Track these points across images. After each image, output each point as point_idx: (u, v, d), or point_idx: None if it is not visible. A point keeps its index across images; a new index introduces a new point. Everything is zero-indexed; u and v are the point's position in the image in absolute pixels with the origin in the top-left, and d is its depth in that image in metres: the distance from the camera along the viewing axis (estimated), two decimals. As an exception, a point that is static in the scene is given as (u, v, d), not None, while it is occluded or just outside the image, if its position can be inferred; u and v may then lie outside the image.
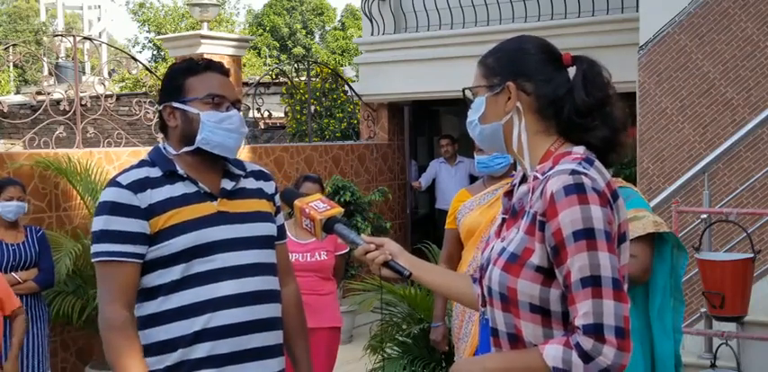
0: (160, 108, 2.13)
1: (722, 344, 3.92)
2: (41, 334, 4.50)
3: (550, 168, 1.54)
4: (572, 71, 1.62)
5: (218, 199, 2.09)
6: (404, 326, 4.47)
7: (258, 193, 2.19)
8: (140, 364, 1.97)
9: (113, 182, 2.04)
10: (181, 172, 2.07)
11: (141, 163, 2.10)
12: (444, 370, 4.06)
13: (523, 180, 1.66)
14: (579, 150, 1.57)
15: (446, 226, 3.60)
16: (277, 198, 2.25)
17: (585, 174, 1.49)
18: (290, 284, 2.31)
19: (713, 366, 3.92)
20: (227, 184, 2.12)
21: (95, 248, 2.01)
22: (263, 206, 2.18)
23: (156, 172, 2.06)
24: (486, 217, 3.35)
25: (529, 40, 1.66)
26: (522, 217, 1.57)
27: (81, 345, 5.57)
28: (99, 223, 2.01)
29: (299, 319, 2.31)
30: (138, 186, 2.02)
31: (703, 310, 4.19)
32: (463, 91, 1.71)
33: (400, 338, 4.40)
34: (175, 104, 2.08)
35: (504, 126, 1.63)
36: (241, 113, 2.15)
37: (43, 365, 4.50)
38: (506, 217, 1.68)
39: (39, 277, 4.50)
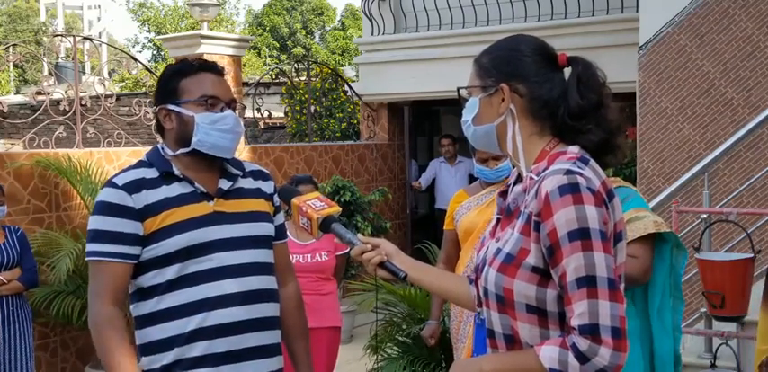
0: (156, 110, 2.14)
1: (722, 344, 3.92)
2: (27, 334, 4.48)
3: (545, 168, 1.54)
4: (567, 72, 1.61)
5: (215, 199, 2.09)
6: (404, 326, 4.47)
7: (256, 193, 2.19)
8: (127, 358, 1.96)
9: (110, 183, 2.05)
10: (177, 172, 2.08)
11: (139, 164, 2.11)
12: (444, 370, 4.06)
13: (518, 179, 1.65)
14: (574, 149, 1.57)
15: (444, 228, 3.59)
16: (276, 197, 2.25)
17: (580, 174, 1.48)
18: (291, 284, 2.30)
19: (713, 366, 3.92)
20: (224, 184, 2.12)
21: (89, 247, 2.03)
22: (260, 205, 2.18)
23: (152, 173, 2.07)
24: (484, 218, 3.34)
25: (524, 41, 1.64)
26: (517, 217, 1.56)
27: (81, 345, 5.57)
28: (93, 223, 2.03)
29: (299, 319, 2.30)
30: (134, 187, 2.03)
31: (703, 310, 4.19)
32: (458, 90, 1.70)
33: (400, 338, 4.40)
34: (170, 106, 2.09)
35: (497, 127, 1.63)
36: (237, 113, 2.14)
37: (30, 364, 4.48)
38: (501, 216, 1.67)
39: (23, 276, 4.47)
